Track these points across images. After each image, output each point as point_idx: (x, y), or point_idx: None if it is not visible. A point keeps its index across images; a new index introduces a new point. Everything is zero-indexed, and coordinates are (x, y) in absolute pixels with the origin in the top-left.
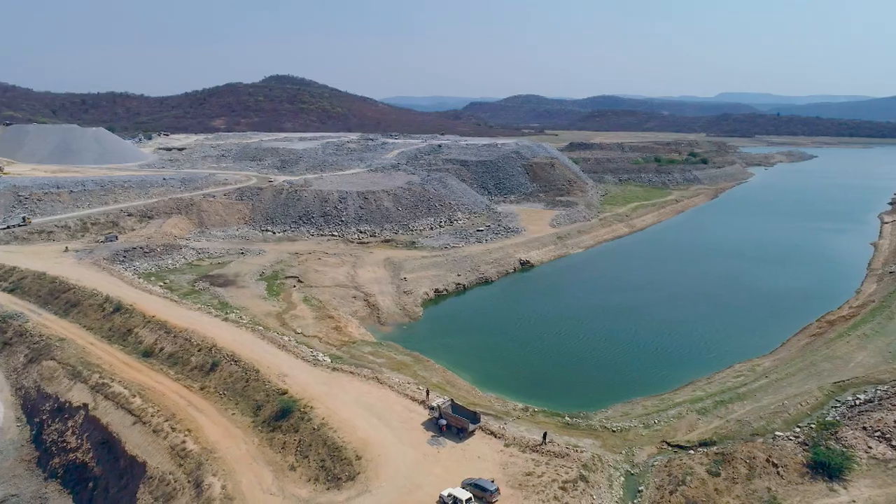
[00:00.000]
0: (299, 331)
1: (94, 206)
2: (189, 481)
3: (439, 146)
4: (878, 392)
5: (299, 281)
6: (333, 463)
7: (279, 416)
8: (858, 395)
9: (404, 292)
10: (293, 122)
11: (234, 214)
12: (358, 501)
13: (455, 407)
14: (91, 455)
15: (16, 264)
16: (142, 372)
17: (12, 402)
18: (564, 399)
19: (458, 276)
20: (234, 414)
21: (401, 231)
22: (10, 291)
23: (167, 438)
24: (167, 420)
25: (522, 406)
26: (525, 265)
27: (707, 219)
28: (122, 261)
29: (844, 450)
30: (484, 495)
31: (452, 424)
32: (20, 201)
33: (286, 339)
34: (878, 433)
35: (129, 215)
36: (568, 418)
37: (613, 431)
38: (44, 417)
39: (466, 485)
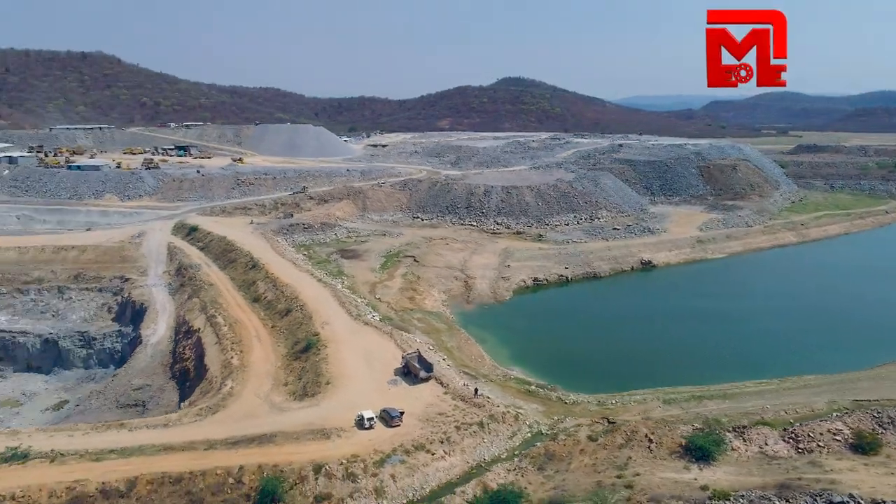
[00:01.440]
0: (378, 296)
1: (283, 191)
2: (219, 383)
3: (620, 146)
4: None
5: (415, 260)
6: (311, 385)
7: (303, 350)
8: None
9: (502, 278)
10: (511, 123)
11: (392, 202)
12: (305, 410)
13: (420, 359)
14: (192, 364)
15: (211, 230)
16: (244, 311)
17: (171, 326)
18: (580, 382)
19: (566, 268)
20: (279, 346)
21: (535, 225)
22: (201, 249)
23: (225, 355)
24: (233, 344)
25: (504, 374)
26: (646, 265)
27: None
28: (285, 233)
29: (721, 440)
30: (389, 420)
31: (410, 370)
32: (237, 184)
33: (354, 298)
34: (793, 435)
35: (311, 198)
36: (534, 387)
37: (565, 403)
38: (180, 336)
39: (381, 410)
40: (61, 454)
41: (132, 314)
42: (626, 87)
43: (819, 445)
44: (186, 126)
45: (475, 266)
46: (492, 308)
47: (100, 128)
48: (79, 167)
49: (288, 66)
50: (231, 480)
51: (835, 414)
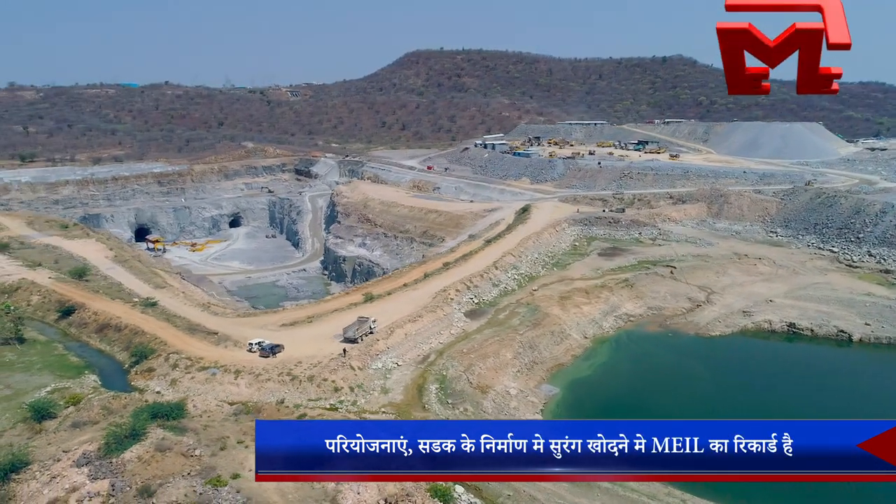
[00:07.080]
0: (533, 290)
1: (659, 188)
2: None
3: None
4: None
5: (671, 272)
6: (308, 317)
7: (368, 300)
8: None
9: (744, 312)
10: None
11: (756, 211)
12: (272, 332)
13: (356, 326)
14: None
15: (532, 213)
16: (422, 271)
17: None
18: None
19: (866, 324)
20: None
21: None
22: (506, 226)
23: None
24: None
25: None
26: None
27: None
28: (585, 224)
29: None
30: (262, 351)
31: (349, 327)
32: (621, 177)
33: (486, 281)
34: None
35: (669, 197)
36: (432, 388)
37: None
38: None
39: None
40: (159, 310)
41: None
42: None
43: None
44: (665, 122)
45: (738, 293)
46: (670, 338)
47: (594, 124)
48: (517, 154)
49: None
50: (146, 343)
51: None
